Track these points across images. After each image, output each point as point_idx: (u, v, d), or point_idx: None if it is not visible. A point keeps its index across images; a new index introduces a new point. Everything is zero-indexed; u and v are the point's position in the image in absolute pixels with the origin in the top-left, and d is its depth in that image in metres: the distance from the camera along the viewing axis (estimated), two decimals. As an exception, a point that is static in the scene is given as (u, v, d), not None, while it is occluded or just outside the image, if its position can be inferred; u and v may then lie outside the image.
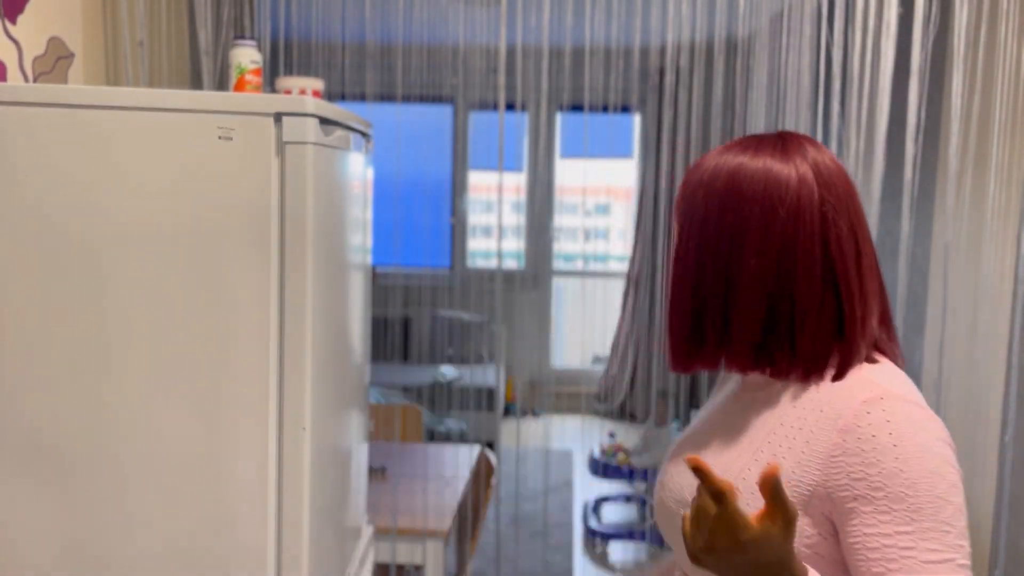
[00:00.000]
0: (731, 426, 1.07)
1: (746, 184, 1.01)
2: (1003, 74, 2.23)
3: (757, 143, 1.04)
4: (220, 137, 1.41)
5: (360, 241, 1.90)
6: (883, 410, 0.92)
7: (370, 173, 2.02)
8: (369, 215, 2.02)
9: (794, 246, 1.00)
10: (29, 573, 1.49)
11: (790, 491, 0.95)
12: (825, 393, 0.98)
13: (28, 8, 1.94)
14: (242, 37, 1.77)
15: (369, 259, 2.04)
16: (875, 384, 0.96)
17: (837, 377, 0.99)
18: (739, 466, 1.01)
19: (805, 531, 0.95)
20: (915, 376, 2.94)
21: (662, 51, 4.41)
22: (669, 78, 4.60)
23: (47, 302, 1.44)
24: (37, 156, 1.42)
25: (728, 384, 1.18)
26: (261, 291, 1.44)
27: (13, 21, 1.89)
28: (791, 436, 0.98)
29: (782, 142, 1.04)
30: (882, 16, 2.23)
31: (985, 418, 2.42)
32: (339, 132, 1.62)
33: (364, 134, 1.88)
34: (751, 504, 0.97)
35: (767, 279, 1.00)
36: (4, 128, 1.42)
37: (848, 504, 0.92)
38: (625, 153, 5.88)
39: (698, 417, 1.18)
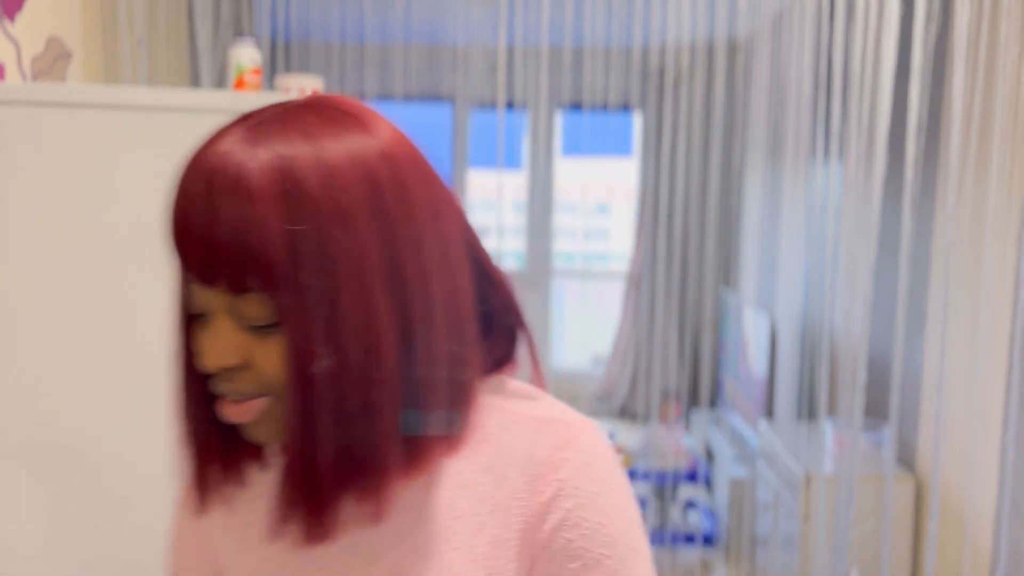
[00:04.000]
0: (371, 548, 0.71)
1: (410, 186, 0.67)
2: (1004, 73, 2.23)
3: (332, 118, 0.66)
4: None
5: (360, 241, 1.90)
6: (580, 450, 0.71)
7: (370, 173, 2.01)
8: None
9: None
10: (27, 573, 1.48)
11: None
12: (487, 442, 0.72)
13: (26, 7, 1.93)
14: (241, 36, 1.76)
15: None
16: (556, 417, 0.73)
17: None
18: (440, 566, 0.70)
19: None
20: (916, 376, 2.93)
21: (662, 50, 4.40)
22: (670, 77, 4.60)
23: (46, 301, 1.44)
24: (35, 155, 1.42)
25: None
26: (260, 291, 1.43)
27: (12, 20, 1.88)
28: (474, 513, 0.71)
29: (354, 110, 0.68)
30: (883, 15, 2.23)
31: (986, 418, 2.41)
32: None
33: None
34: None
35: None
36: (3, 127, 1.41)
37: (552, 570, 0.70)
38: (625, 152, 5.88)
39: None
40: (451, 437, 0.69)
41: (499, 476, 0.71)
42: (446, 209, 0.69)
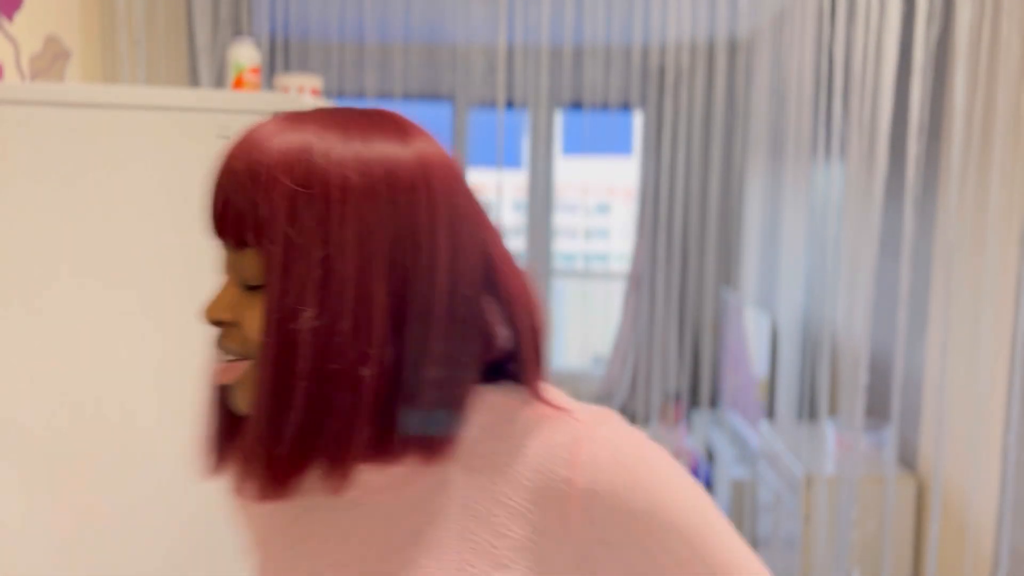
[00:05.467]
0: (386, 542, 0.71)
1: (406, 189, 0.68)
2: (1006, 72, 2.22)
3: (363, 120, 0.70)
4: (218, 136, 1.40)
5: (359, 241, 1.89)
6: (601, 449, 0.69)
7: (369, 172, 2.00)
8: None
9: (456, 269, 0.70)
10: (25, 572, 1.48)
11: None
12: (509, 453, 0.71)
13: (25, 6, 1.92)
14: (240, 35, 1.75)
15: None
16: (566, 419, 0.71)
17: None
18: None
19: None
20: (917, 377, 2.92)
21: (663, 49, 4.40)
22: (670, 76, 4.59)
23: (44, 301, 1.43)
24: (34, 155, 1.41)
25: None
26: (259, 292, 1.43)
27: (10, 19, 1.87)
28: (502, 525, 0.69)
29: (383, 120, 0.71)
30: (884, 14, 2.22)
31: (987, 418, 2.41)
32: (338, 131, 1.61)
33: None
34: None
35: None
36: (1, 126, 1.41)
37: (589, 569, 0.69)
38: (626, 151, 5.87)
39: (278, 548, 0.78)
40: (434, 437, 0.69)
41: (514, 481, 0.70)
42: (466, 227, 0.70)
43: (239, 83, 1.73)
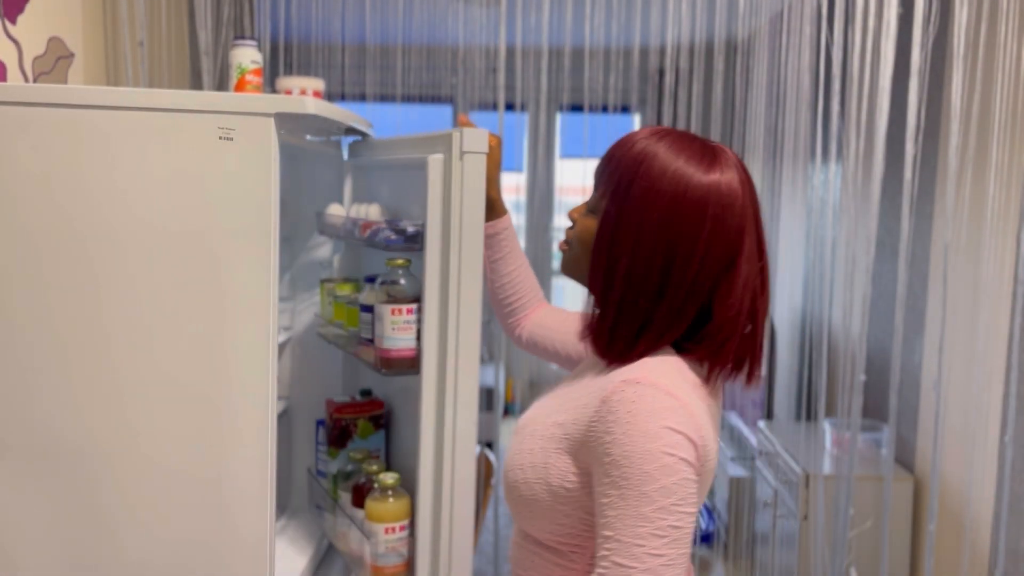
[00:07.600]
0: (568, 384, 1.25)
1: (698, 200, 1.10)
2: (1003, 74, 2.23)
3: (698, 151, 1.12)
4: (221, 137, 1.41)
5: (360, 241, 1.90)
6: (634, 391, 1.05)
7: (370, 173, 2.01)
8: (369, 215, 2.02)
9: (728, 258, 1.11)
10: (27, 573, 1.49)
11: (567, 440, 1.13)
12: (610, 373, 1.15)
13: (28, 8, 1.94)
14: (242, 37, 1.77)
15: (369, 259, 2.04)
16: (642, 370, 1.09)
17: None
18: (550, 410, 1.20)
19: (568, 476, 1.12)
20: (914, 376, 2.94)
21: (662, 51, 4.41)
22: (669, 78, 4.60)
23: (47, 301, 1.44)
24: (37, 156, 1.42)
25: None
26: (262, 290, 1.44)
27: (13, 21, 1.89)
28: (583, 396, 1.14)
29: (714, 154, 1.14)
30: (882, 16, 2.24)
31: (984, 418, 2.42)
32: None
33: (364, 135, 1.88)
34: (552, 438, 1.15)
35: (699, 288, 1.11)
36: (4, 128, 1.42)
37: (592, 462, 1.08)
38: (625, 153, 5.88)
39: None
40: (631, 353, 1.13)
41: (595, 395, 1.10)
42: (720, 245, 1.09)
43: (241, 85, 1.75)
